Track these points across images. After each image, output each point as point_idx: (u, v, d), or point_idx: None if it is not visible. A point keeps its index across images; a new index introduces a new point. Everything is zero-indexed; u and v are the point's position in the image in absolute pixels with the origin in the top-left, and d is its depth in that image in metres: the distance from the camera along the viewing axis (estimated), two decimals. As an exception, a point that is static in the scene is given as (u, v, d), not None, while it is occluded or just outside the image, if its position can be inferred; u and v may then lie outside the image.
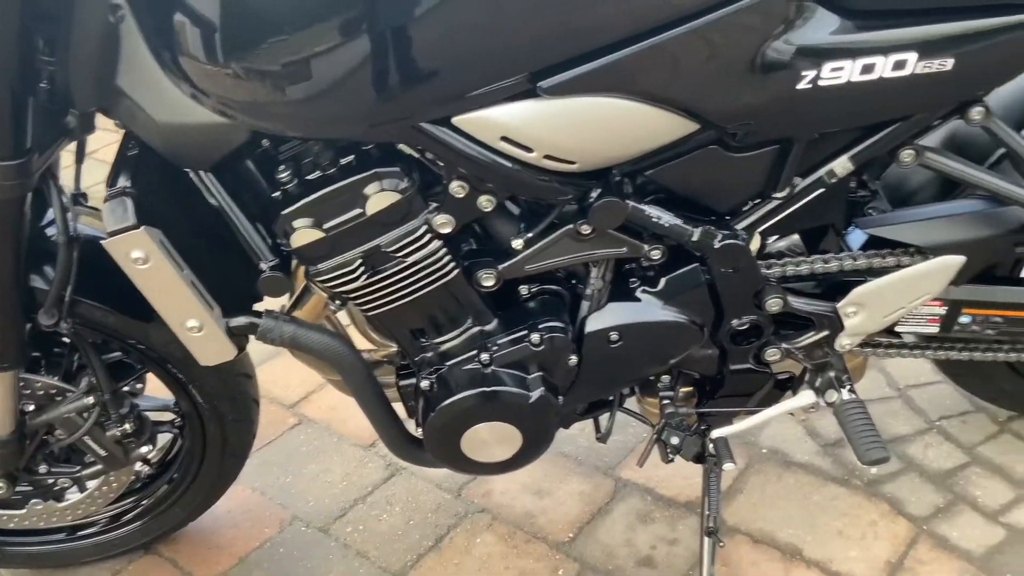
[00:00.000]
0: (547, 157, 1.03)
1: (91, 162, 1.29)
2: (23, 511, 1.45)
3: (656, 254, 1.18)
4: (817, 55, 1.04)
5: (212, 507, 1.61)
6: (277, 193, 1.06)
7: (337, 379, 1.31)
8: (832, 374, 1.31)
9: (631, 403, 1.44)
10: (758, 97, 1.05)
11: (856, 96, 1.07)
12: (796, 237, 1.41)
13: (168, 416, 1.52)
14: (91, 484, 1.47)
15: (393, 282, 1.11)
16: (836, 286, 1.28)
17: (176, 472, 1.55)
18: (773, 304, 1.23)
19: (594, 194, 1.10)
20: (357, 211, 1.04)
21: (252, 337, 1.18)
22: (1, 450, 1.28)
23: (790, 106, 1.07)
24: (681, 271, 1.21)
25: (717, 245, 1.18)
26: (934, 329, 1.33)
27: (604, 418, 1.41)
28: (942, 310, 1.31)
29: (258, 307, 1.21)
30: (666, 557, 1.53)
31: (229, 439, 1.48)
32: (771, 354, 1.30)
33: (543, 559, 1.54)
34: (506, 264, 1.14)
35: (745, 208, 1.20)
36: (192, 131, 1.02)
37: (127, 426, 1.35)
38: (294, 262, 1.14)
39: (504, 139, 1.00)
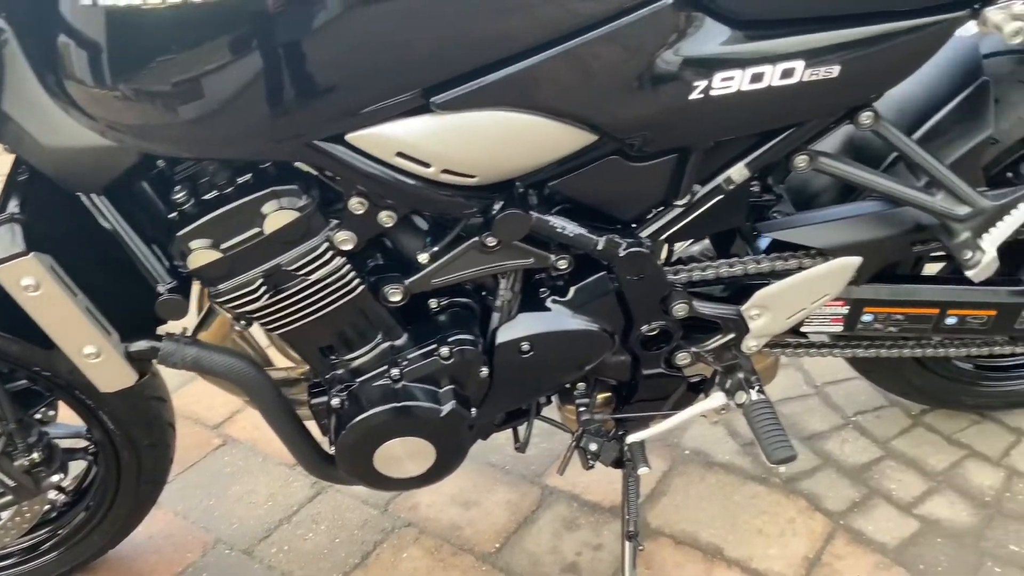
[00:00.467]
0: (445, 172, 1.03)
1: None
2: (-67, 545, 1.41)
3: (563, 264, 1.19)
4: (707, 66, 1.06)
5: (132, 533, 1.58)
6: (174, 214, 1.05)
7: (254, 399, 1.30)
8: (741, 375, 1.33)
9: (552, 411, 1.45)
10: (652, 108, 1.07)
11: (747, 105, 1.09)
12: (707, 242, 1.46)
13: (82, 443, 1.49)
14: (3, 515, 1.43)
15: (297, 301, 1.10)
16: (744, 289, 1.31)
17: (92, 500, 1.52)
18: (679, 309, 1.26)
19: (497, 207, 1.11)
20: (255, 230, 1.03)
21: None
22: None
23: (684, 116, 1.09)
24: (589, 280, 1.23)
25: (622, 253, 1.19)
26: (838, 328, 1.37)
27: (524, 428, 1.43)
28: (844, 309, 1.35)
29: (163, 330, 1.20)
30: (591, 563, 1.54)
31: (144, 465, 1.46)
32: (681, 358, 1.33)
33: (469, 571, 1.54)
34: (413, 279, 1.14)
35: (649, 216, 1.23)
36: (81, 155, 1.00)
37: (35, 455, 1.32)
38: (195, 283, 1.12)
39: (400, 155, 1.00)
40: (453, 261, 1.15)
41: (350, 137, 0.98)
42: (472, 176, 1.06)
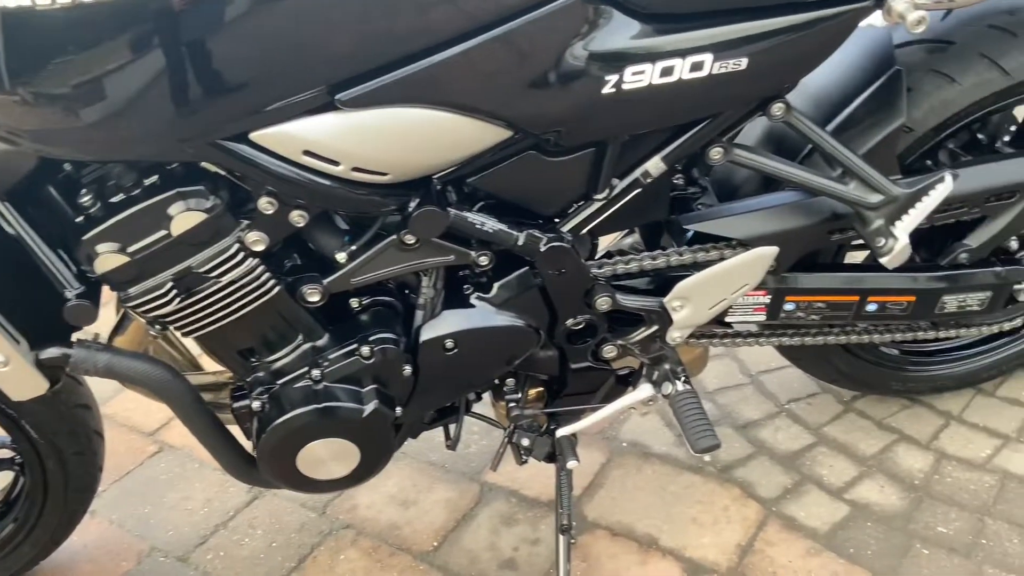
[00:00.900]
0: (356, 170, 1.03)
1: None
2: None
3: (484, 260, 1.19)
4: (617, 60, 1.06)
5: (66, 543, 1.55)
6: (80, 218, 1.03)
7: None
8: (667, 367, 1.34)
9: (488, 408, 1.46)
10: (565, 103, 1.08)
11: (659, 98, 1.10)
12: (637, 235, 1.47)
13: (7, 454, 1.46)
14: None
15: (210, 304, 1.09)
16: (669, 282, 1.32)
17: (20, 511, 1.49)
18: (602, 303, 1.26)
19: (413, 204, 1.10)
20: (162, 233, 1.01)
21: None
22: None
23: (597, 111, 1.09)
24: (512, 276, 1.23)
25: (543, 248, 1.20)
26: (761, 317, 1.38)
27: (455, 425, 1.42)
28: (767, 299, 1.36)
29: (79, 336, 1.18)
30: (528, 557, 1.54)
31: (71, 474, 1.43)
32: (608, 351, 1.33)
33: (407, 570, 1.53)
34: (331, 278, 1.13)
35: (570, 211, 1.23)
36: (-23, 160, 0.98)
37: (-41, 468, 1.30)
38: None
39: (307, 153, 0.99)
40: (372, 260, 1.14)
41: (254, 136, 0.96)
42: (384, 174, 1.05)
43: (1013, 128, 1.49)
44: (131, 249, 1.02)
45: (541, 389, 1.42)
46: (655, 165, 1.20)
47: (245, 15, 0.91)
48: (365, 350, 1.16)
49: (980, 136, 1.46)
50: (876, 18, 1.17)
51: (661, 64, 1.08)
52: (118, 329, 1.19)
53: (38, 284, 1.08)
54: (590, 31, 1.05)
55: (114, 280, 1.05)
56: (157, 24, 0.90)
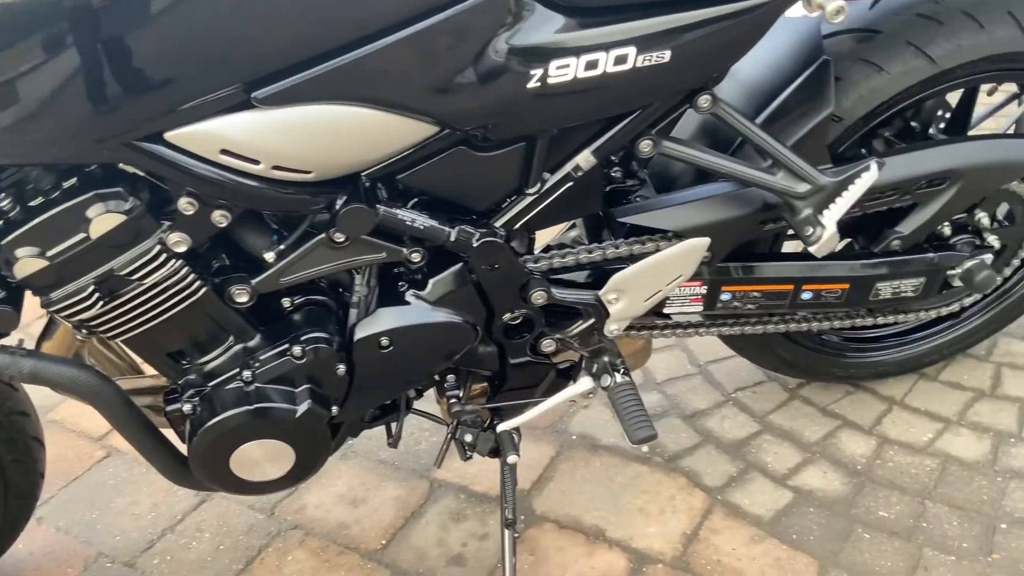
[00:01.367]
0: (277, 168, 1.02)
1: None
2: None
3: (417, 257, 1.19)
4: (542, 54, 1.06)
5: (11, 551, 1.53)
6: (-1, 222, 1.01)
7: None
8: (606, 359, 1.35)
9: (434, 405, 1.45)
10: (490, 98, 1.07)
11: (585, 92, 1.10)
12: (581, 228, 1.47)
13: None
14: None
15: (134, 306, 1.07)
16: (607, 274, 1.33)
17: (-40, 520, 1.47)
18: (538, 297, 1.26)
19: (340, 202, 1.10)
20: (81, 235, 1.00)
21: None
22: None
23: (523, 105, 1.09)
24: (446, 272, 1.23)
25: (475, 244, 1.19)
26: (699, 308, 1.39)
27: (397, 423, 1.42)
28: (703, 290, 1.37)
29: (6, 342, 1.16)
30: (476, 553, 1.54)
31: (10, 481, 1.41)
32: (546, 345, 1.34)
33: (355, 569, 1.53)
34: (260, 278, 1.13)
35: (503, 205, 1.23)
36: None
37: None
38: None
39: (225, 152, 0.98)
40: (301, 259, 1.13)
41: (169, 136, 0.95)
42: (308, 172, 1.04)
43: (946, 115, 1.51)
44: (50, 253, 1.00)
45: (485, 384, 1.42)
46: (585, 159, 1.20)
47: (156, 13, 0.90)
48: (297, 350, 1.16)
49: (913, 124, 1.48)
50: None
51: (585, 58, 1.08)
52: (45, 334, 1.18)
53: (-41, 290, 1.07)
54: (514, 26, 1.05)
55: (35, 285, 1.03)
56: (67, 24, 0.88)
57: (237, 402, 1.15)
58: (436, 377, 1.38)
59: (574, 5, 1.07)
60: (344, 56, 0.98)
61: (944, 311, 1.56)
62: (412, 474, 1.72)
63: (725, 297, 1.39)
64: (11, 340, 1.16)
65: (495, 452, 1.43)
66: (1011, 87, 1.57)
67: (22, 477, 1.43)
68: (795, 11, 1.19)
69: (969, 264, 1.44)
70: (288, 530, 1.62)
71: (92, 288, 1.04)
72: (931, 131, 1.51)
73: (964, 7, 1.30)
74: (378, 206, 1.12)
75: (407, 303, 1.23)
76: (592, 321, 1.32)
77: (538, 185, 1.21)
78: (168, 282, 1.07)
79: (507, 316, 1.29)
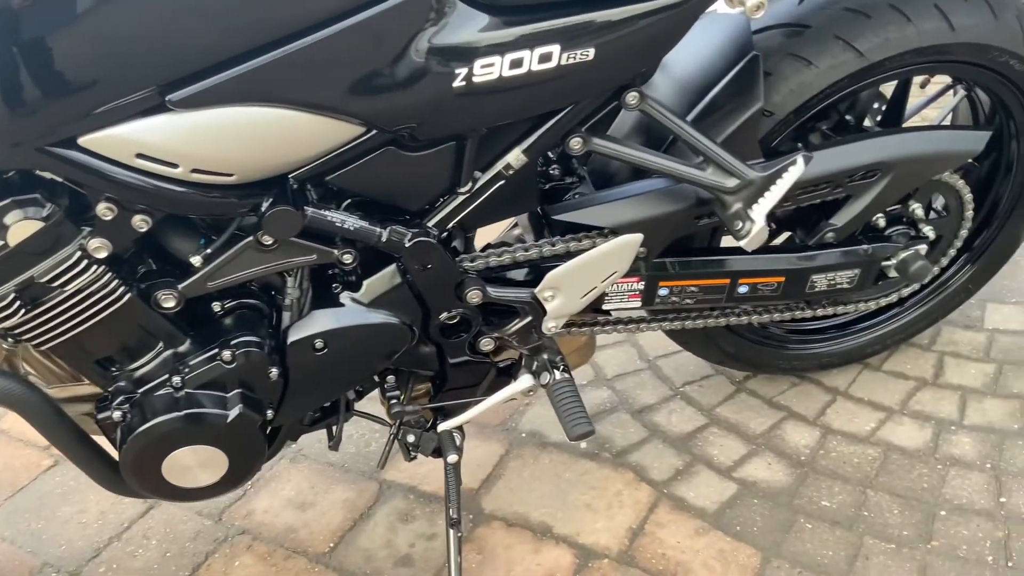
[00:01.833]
0: (196, 171, 1.01)
1: None
2: None
3: (348, 258, 1.18)
4: (467, 54, 1.06)
5: (-47, 565, 1.52)
6: (-85, 232, 1.00)
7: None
8: (546, 356, 1.35)
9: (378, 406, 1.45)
10: (415, 98, 1.07)
11: (511, 90, 1.10)
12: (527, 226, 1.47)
13: None
14: None
15: (58, 314, 1.06)
16: (545, 272, 1.33)
17: None
18: (473, 296, 1.26)
19: (266, 204, 1.09)
20: (-1, 243, 0.99)
21: None
22: None
23: (449, 104, 1.09)
24: (381, 273, 1.22)
25: (408, 244, 1.19)
26: (637, 304, 1.40)
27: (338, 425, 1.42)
28: (640, 285, 1.38)
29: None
30: (424, 553, 1.54)
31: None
32: (485, 344, 1.34)
33: (301, 574, 1.52)
34: (186, 283, 1.11)
35: (437, 205, 1.23)
36: None
37: None
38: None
39: (141, 156, 0.97)
40: (229, 262, 1.12)
41: (83, 141, 0.94)
42: (229, 175, 1.03)
43: (881, 106, 1.53)
44: (-34, 262, 0.99)
45: (428, 384, 1.42)
46: (516, 157, 1.20)
47: (66, 16, 0.89)
48: (227, 354, 1.15)
49: (848, 117, 1.50)
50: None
51: (510, 56, 1.08)
52: (-30, 344, 1.16)
53: None
54: (436, 25, 1.04)
55: (-48, 294, 1.02)
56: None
57: (167, 408, 1.14)
58: (376, 378, 1.38)
59: (497, 4, 1.07)
60: (262, 57, 0.98)
61: (883, 301, 1.58)
62: (362, 476, 1.71)
63: (663, 292, 1.39)
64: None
65: (438, 452, 1.43)
66: (946, 78, 1.59)
67: (-39, 489, 1.41)
68: (725, 8, 1.21)
69: (903, 255, 1.46)
70: (235, 535, 1.61)
71: (13, 296, 1.02)
72: (867, 123, 1.53)
73: (891, 1, 1.32)
74: (306, 208, 1.12)
75: (341, 305, 1.23)
76: (529, 319, 1.32)
77: (470, 184, 1.21)
78: (90, 289, 1.06)
79: (443, 316, 1.28)
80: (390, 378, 1.37)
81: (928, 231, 1.49)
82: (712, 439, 1.69)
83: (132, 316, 1.11)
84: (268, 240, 1.12)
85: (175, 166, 0.99)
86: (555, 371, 1.34)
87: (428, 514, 1.61)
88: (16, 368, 1.26)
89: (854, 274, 1.44)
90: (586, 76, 1.12)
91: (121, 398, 1.16)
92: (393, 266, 1.22)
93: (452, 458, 1.35)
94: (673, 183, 1.30)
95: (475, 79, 1.08)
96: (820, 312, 1.54)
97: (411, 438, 1.42)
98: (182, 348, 1.17)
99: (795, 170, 1.23)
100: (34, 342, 1.09)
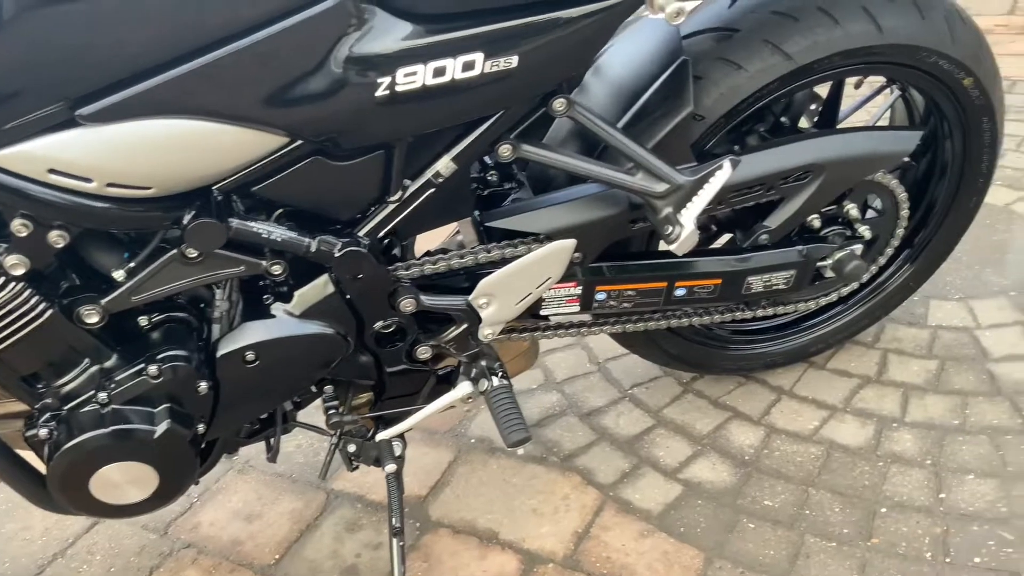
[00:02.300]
0: (112, 185, 1.00)
1: None
2: None
3: (278, 269, 1.17)
4: (389, 62, 1.06)
5: None
6: None
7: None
8: (484, 363, 1.35)
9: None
10: (337, 108, 1.07)
11: (435, 98, 1.10)
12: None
13: None
14: None
15: (-25, 332, 1.05)
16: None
17: None
18: (407, 305, 1.26)
19: (188, 216, 1.08)
20: (-88, 262, 0.97)
21: None
22: None
23: (373, 113, 1.09)
24: (312, 283, 1.21)
25: (337, 254, 1.18)
26: (575, 309, 1.40)
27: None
28: (578, 290, 1.38)
29: None
30: (370, 563, 1.53)
31: None
32: (422, 352, 1.33)
33: (246, 586, 1.52)
34: (109, 297, 1.10)
35: (367, 214, 1.22)
36: None
37: None
38: None
39: (53, 171, 0.96)
40: (153, 276, 1.11)
41: (-8, 158, 0.93)
42: (147, 188, 1.02)
43: (818, 107, 1.54)
44: None
45: (370, 393, 1.42)
46: (445, 165, 1.20)
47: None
48: (153, 369, 1.14)
49: (783, 119, 1.51)
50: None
51: (433, 64, 1.08)
52: None
53: None
54: (357, 34, 1.04)
55: None
56: None
57: (93, 425, 1.13)
58: (314, 388, 1.38)
59: (419, 12, 1.07)
60: (176, 69, 0.97)
61: (823, 301, 1.60)
62: (309, 486, 1.70)
63: (600, 297, 1.40)
64: None
65: (379, 461, 1.42)
66: (881, 78, 1.61)
67: None
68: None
69: (839, 255, 1.47)
70: (181, 549, 1.59)
71: (-70, 315, 1.01)
72: (805, 124, 1.54)
73: (819, 3, 1.33)
74: (230, 219, 1.11)
75: (272, 316, 1.22)
76: (465, 326, 1.32)
77: (399, 192, 1.20)
78: (9, 306, 1.04)
79: (378, 325, 1.28)
80: (328, 388, 1.36)
81: (864, 231, 1.51)
82: (659, 441, 1.69)
83: (55, 332, 1.09)
84: (192, 253, 1.11)
85: (89, 181, 0.98)
86: (493, 377, 1.34)
87: (375, 523, 1.61)
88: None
89: (790, 275, 1.45)
90: (511, 84, 1.12)
91: (47, 415, 1.15)
92: (325, 276, 1.21)
93: (390, 468, 1.35)
94: (605, 188, 1.31)
95: (398, 88, 1.08)
96: (760, 313, 1.55)
97: (352, 448, 1.41)
98: (108, 363, 1.15)
99: (722, 174, 1.24)
100: (-47, 361, 1.07)
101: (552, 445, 1.71)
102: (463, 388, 1.36)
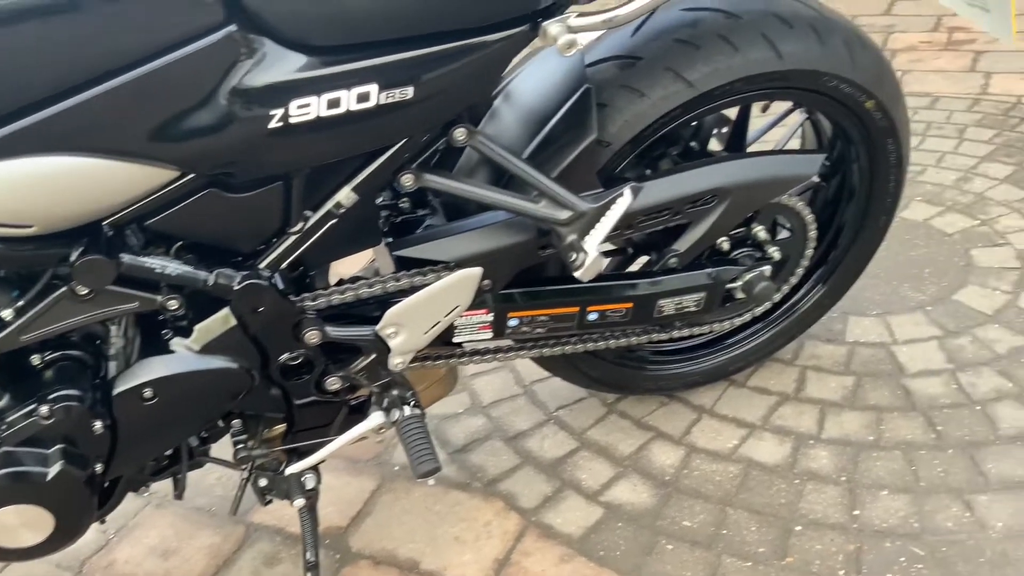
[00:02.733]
0: (-13, 224, 0.98)
1: None
2: None
3: (174, 304, 1.15)
4: (281, 94, 1.05)
5: None
6: None
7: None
8: (396, 392, 1.34)
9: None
10: (228, 141, 1.06)
11: (331, 130, 1.10)
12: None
13: None
14: None
15: None
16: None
17: None
18: (311, 337, 1.24)
19: (75, 254, 1.06)
20: None
21: None
22: None
23: (267, 146, 1.08)
24: (212, 317, 1.20)
25: (236, 287, 1.17)
26: (488, 336, 1.40)
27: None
28: (489, 317, 1.38)
29: None
30: (287, 597, 1.51)
31: None
32: (332, 383, 1.31)
33: (160, 625, 1.48)
34: (-2, 337, 1.08)
35: (270, 245, 1.21)
36: None
37: None
38: None
39: (-78, 212, 0.94)
40: (43, 314, 1.08)
41: None
42: (28, 226, 1.00)
43: (727, 130, 1.57)
44: None
45: (283, 426, 1.39)
46: (346, 195, 1.19)
47: None
48: (44, 409, 1.11)
49: (693, 143, 1.53)
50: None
51: (327, 96, 1.07)
52: None
53: None
54: (247, 67, 1.03)
55: None
56: None
57: (-19, 467, 1.10)
58: (222, 422, 1.35)
59: (311, 44, 1.06)
60: (57, 105, 0.95)
61: (738, 322, 1.61)
62: (228, 520, 1.67)
63: (513, 323, 1.40)
64: None
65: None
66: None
67: None
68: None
69: (748, 276, 1.49)
70: (93, 589, 1.56)
71: None
72: (718, 146, 1.56)
73: (719, 31, 1.35)
74: (122, 255, 1.09)
75: (171, 351, 1.20)
76: (374, 356, 1.30)
77: (300, 223, 1.19)
78: None
79: (284, 357, 1.26)
80: (236, 422, 1.34)
81: (774, 252, 1.53)
82: (582, 463, 1.69)
83: (-63, 374, 1.07)
84: (83, 290, 1.08)
85: (-38, 220, 0.96)
86: (405, 407, 1.34)
87: (293, 556, 1.58)
88: None
89: (700, 297, 1.46)
90: (408, 114, 1.12)
91: (-64, 458, 1.11)
92: (226, 309, 1.20)
93: (299, 503, 1.33)
94: (512, 215, 1.31)
95: (292, 120, 1.07)
96: (676, 334, 1.56)
97: (263, 482, 1.39)
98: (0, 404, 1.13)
99: (623, 201, 1.25)
100: None
101: (476, 470, 1.70)
102: (375, 418, 1.34)
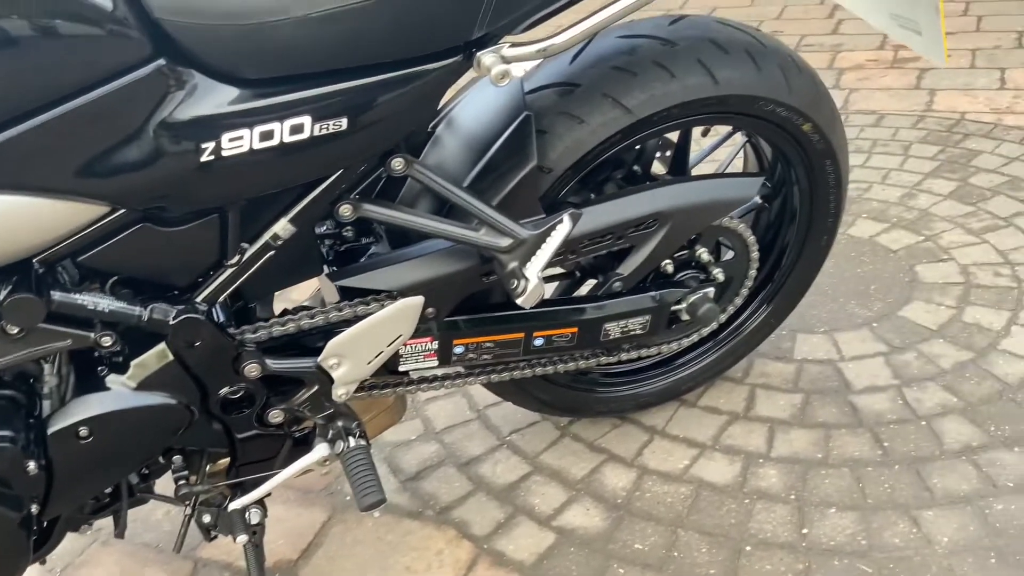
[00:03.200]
0: (-90, 266, 0.96)
1: None
2: None
3: (108, 341, 1.13)
4: (211, 127, 1.05)
5: None
6: None
7: None
8: (341, 423, 1.33)
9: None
10: (159, 175, 1.05)
11: (265, 162, 1.09)
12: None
13: None
14: None
15: None
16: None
17: None
18: (251, 370, 1.23)
19: (3, 292, 1.04)
20: None
21: None
22: None
23: (199, 179, 1.07)
24: (148, 352, 1.18)
25: (172, 322, 1.15)
26: (434, 363, 1.39)
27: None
28: (434, 345, 1.37)
29: None
30: (235, 634, 1.49)
31: None
32: (274, 416, 1.30)
33: (103, 667, 1.45)
34: (-79, 380, 1.06)
35: (207, 279, 1.20)
36: None
37: None
38: None
39: None
40: (-29, 354, 1.07)
41: None
42: (-56, 265, 0.99)
43: (669, 154, 1.58)
44: None
45: (227, 460, 1.38)
46: (283, 227, 1.18)
47: None
48: (-27, 452, 1.09)
49: (635, 167, 1.54)
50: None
51: (259, 129, 1.07)
52: None
53: None
54: (177, 100, 1.03)
55: None
56: None
57: (-89, 513, 1.07)
58: (163, 459, 1.33)
59: (242, 76, 1.06)
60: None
61: (685, 343, 1.62)
62: (175, 556, 1.64)
63: (459, 350, 1.39)
64: None
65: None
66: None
67: None
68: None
69: (692, 298, 1.50)
70: (35, 632, 1.52)
71: None
72: (661, 169, 1.58)
73: (656, 58, 1.36)
74: (53, 292, 1.07)
75: (107, 388, 1.18)
76: (316, 388, 1.29)
77: (237, 256, 1.18)
78: None
79: (224, 391, 1.24)
80: (176, 458, 1.32)
81: (718, 273, 1.54)
82: (534, 488, 1.69)
83: None
84: (13, 329, 1.06)
85: None
86: (350, 438, 1.32)
87: (243, 591, 1.56)
88: None
89: (645, 320, 1.47)
90: (343, 145, 1.12)
91: None
92: (162, 345, 1.18)
93: (242, 539, 1.31)
94: (455, 243, 1.31)
95: (224, 153, 1.06)
96: (624, 357, 1.57)
97: (207, 518, 1.37)
98: (-72, 447, 1.10)
99: (563, 228, 1.25)
100: None
101: (429, 498, 1.69)
102: (320, 450, 1.33)
